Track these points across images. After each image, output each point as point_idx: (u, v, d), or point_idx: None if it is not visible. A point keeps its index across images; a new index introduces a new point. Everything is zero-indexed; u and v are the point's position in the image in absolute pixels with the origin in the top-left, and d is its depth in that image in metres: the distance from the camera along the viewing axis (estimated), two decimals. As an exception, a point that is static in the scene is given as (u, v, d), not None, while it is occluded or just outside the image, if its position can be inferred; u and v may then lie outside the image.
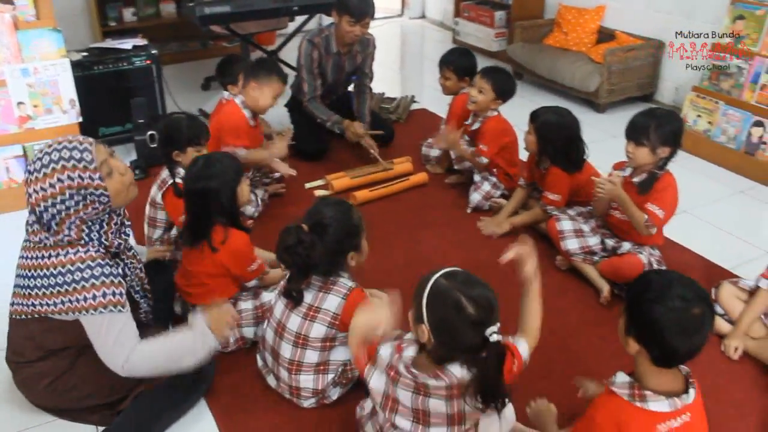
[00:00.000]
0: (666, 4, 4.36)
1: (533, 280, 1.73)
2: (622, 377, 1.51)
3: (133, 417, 1.88)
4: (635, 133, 2.43)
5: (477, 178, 3.21)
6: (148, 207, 2.57)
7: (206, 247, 2.16)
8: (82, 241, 1.71)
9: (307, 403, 2.01)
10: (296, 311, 1.94)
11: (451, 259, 2.55)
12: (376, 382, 1.63)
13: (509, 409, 1.68)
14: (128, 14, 4.97)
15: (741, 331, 2.28)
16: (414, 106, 4.47)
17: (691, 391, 1.47)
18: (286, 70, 3.54)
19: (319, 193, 3.31)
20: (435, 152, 3.58)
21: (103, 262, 1.72)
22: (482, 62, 3.48)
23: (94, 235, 1.74)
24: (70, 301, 1.69)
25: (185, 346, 1.85)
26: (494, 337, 1.41)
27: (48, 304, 1.72)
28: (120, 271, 1.79)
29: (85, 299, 1.69)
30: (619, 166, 2.63)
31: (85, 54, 3.69)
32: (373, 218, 2.83)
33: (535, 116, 2.80)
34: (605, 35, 4.73)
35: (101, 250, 1.74)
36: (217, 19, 3.96)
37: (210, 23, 4.01)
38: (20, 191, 3.07)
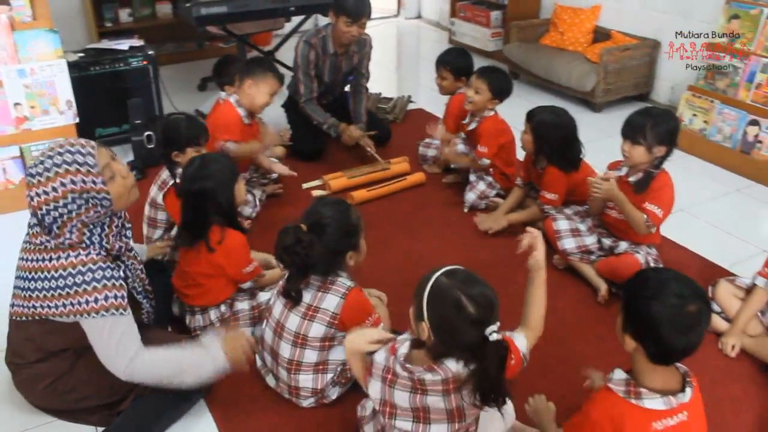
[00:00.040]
0: (661, 3, 4.37)
1: (541, 268, 1.74)
2: (619, 374, 1.52)
3: (132, 417, 1.88)
4: (631, 132, 2.44)
5: (472, 177, 3.22)
6: (147, 207, 2.57)
7: (203, 247, 2.16)
8: (84, 244, 1.71)
9: (307, 402, 2.01)
10: (295, 311, 1.94)
11: (449, 259, 2.52)
12: (374, 390, 1.63)
13: (509, 406, 1.68)
14: (124, 15, 4.95)
15: (738, 328, 2.28)
16: (411, 106, 4.47)
17: (688, 390, 1.47)
18: (283, 70, 3.54)
19: (316, 193, 3.31)
20: (432, 152, 3.58)
21: (104, 265, 1.72)
22: (478, 62, 3.49)
23: (96, 238, 1.73)
24: (71, 304, 1.69)
25: (193, 363, 1.84)
26: (494, 336, 1.42)
27: (49, 307, 1.71)
28: (121, 273, 1.78)
29: (87, 302, 1.69)
30: (614, 166, 2.64)
31: (81, 55, 3.69)
32: (371, 218, 2.83)
33: (531, 116, 2.81)
34: (601, 35, 4.74)
35: (102, 253, 1.74)
36: (214, 19, 3.96)
37: (206, 24, 4.01)
38: (17, 192, 3.10)
